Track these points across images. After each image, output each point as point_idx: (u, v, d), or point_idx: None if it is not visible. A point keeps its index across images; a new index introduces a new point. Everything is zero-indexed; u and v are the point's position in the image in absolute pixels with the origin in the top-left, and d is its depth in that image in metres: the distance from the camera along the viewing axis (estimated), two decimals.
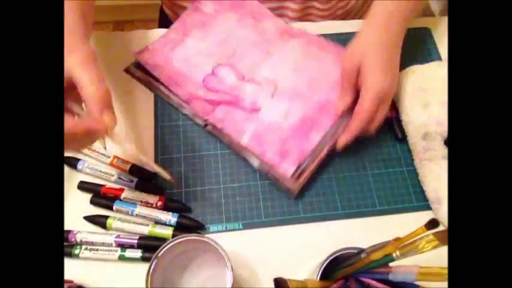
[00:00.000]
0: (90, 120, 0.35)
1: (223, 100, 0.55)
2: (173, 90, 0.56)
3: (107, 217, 0.47)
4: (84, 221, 0.47)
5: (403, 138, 0.54)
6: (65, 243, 0.46)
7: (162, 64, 0.58)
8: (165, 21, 0.79)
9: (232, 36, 0.60)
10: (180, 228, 0.47)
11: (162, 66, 0.57)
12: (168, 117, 0.55)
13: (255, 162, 0.51)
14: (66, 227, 0.46)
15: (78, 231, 0.46)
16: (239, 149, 0.52)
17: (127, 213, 0.48)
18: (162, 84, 0.56)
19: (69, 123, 0.33)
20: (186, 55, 0.59)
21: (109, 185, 0.49)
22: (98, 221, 0.47)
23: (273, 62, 0.58)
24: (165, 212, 0.47)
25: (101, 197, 0.49)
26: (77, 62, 0.34)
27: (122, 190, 0.48)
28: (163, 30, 0.63)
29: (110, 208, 0.48)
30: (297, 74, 0.57)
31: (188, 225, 0.47)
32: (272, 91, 0.55)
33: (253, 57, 0.59)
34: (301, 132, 0.52)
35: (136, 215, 0.47)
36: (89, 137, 0.35)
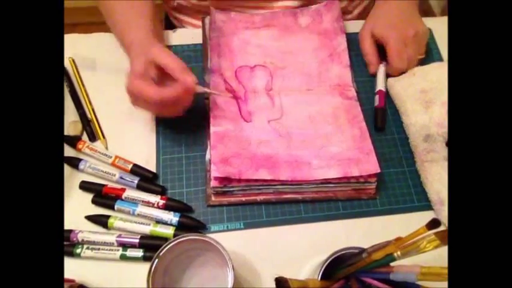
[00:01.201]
0: (177, 85, 0.46)
1: (235, 93, 0.55)
2: (211, 55, 0.57)
3: (108, 217, 0.47)
4: (86, 221, 0.47)
5: (382, 128, 0.55)
6: (66, 243, 0.46)
7: (228, 32, 0.60)
8: (166, 22, 0.79)
9: (300, 57, 0.59)
10: (181, 228, 0.47)
11: (226, 33, 0.60)
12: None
13: (207, 155, 0.51)
14: (68, 226, 0.47)
15: (80, 231, 0.46)
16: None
17: (128, 213, 0.48)
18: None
19: (165, 90, 0.46)
20: (249, 40, 0.60)
21: (111, 184, 0.50)
22: (100, 221, 0.47)
23: (303, 101, 0.55)
24: (167, 211, 0.48)
25: (103, 196, 0.49)
26: (157, 52, 0.47)
27: (123, 190, 0.49)
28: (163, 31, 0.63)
29: (112, 208, 0.48)
30: (307, 126, 0.53)
31: (189, 225, 0.47)
32: (274, 119, 0.53)
33: (293, 83, 0.57)
34: (255, 161, 0.49)
35: (138, 214, 0.48)
36: (184, 97, 0.47)
